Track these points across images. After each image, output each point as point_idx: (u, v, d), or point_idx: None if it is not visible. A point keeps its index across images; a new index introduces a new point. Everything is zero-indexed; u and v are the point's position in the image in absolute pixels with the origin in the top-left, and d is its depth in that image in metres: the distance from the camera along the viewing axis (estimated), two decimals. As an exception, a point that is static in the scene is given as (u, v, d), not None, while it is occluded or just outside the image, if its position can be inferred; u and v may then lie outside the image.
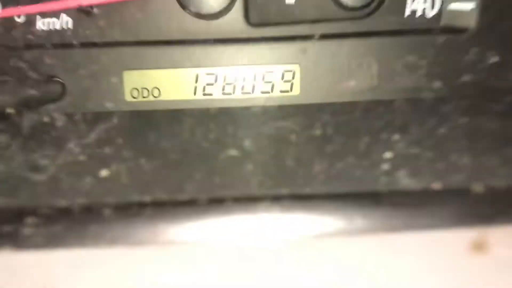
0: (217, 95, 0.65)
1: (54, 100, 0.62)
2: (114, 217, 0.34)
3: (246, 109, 0.49)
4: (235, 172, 0.37)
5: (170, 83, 0.65)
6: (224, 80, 0.65)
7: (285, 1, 0.63)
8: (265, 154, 0.39)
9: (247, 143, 0.41)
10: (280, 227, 0.34)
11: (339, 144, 0.40)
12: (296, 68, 0.64)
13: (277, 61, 0.64)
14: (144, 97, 0.65)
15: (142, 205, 0.35)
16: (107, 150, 0.41)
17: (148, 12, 0.63)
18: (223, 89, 0.65)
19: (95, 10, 0.63)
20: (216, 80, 0.65)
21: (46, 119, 0.46)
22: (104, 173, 0.38)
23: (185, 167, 0.39)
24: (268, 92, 0.65)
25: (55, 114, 0.48)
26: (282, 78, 0.64)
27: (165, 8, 0.63)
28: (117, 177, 0.37)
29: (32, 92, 0.60)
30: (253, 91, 0.65)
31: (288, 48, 0.64)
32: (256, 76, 0.64)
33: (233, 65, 0.64)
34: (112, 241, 0.33)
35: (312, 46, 0.63)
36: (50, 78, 0.63)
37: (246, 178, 0.37)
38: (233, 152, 0.39)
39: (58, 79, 0.63)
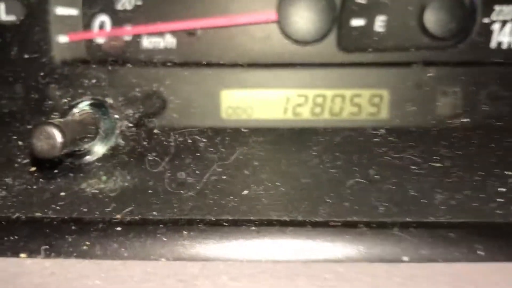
0: (306, 116, 0.69)
1: (155, 114, 0.67)
2: (258, 233, 0.38)
3: (370, 137, 0.52)
4: (362, 198, 0.41)
5: (263, 103, 0.69)
6: (314, 101, 0.68)
7: (375, 29, 0.67)
8: (389, 183, 0.43)
9: (371, 171, 0.45)
10: (408, 253, 0.38)
11: (456, 176, 0.43)
12: (384, 92, 0.67)
13: (365, 85, 0.68)
14: (238, 115, 0.69)
15: (283, 224, 0.38)
16: (246, 172, 0.45)
17: (247, 36, 0.67)
18: (312, 110, 0.69)
19: (199, 32, 0.67)
20: (306, 102, 0.68)
21: (189, 140, 0.50)
22: (244, 192, 0.42)
23: (317, 191, 0.42)
24: (356, 115, 0.68)
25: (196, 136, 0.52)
26: (370, 101, 0.68)
27: (264, 33, 0.67)
28: (256, 197, 0.41)
29: (135, 106, 0.64)
30: (341, 113, 0.68)
31: (377, 73, 0.67)
32: (344, 99, 0.68)
33: (323, 88, 0.68)
34: (258, 255, 0.37)
35: (400, 72, 0.67)
36: (152, 94, 0.68)
37: (373, 204, 0.40)
38: (358, 179, 0.43)
39: (160, 95, 0.68)
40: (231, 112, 0.69)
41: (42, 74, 0.67)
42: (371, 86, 0.68)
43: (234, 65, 0.68)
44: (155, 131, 0.52)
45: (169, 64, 0.68)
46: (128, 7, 0.68)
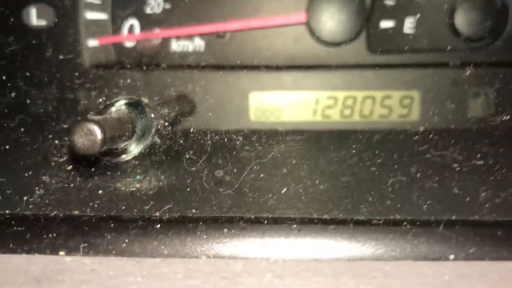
0: (336, 118, 0.68)
1: (184, 116, 0.67)
2: (299, 231, 0.37)
3: (410, 136, 0.52)
4: (404, 197, 0.40)
5: (291, 105, 0.68)
6: (343, 103, 0.68)
7: (404, 30, 0.66)
8: (431, 181, 0.42)
9: (412, 169, 0.44)
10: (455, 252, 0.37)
11: (500, 174, 0.42)
12: (415, 94, 0.66)
13: (396, 87, 0.67)
14: (266, 117, 0.68)
15: (325, 222, 0.38)
16: (284, 170, 0.44)
17: (276, 38, 0.67)
18: (342, 112, 0.68)
19: (227, 35, 0.67)
20: (335, 103, 0.68)
21: (226, 139, 0.50)
22: (283, 190, 0.41)
23: (358, 190, 0.42)
24: (386, 117, 0.67)
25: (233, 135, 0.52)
26: (401, 103, 0.67)
27: (293, 34, 0.67)
28: (296, 195, 0.40)
29: (166, 108, 0.64)
30: (371, 115, 0.68)
31: (407, 75, 0.66)
32: (375, 101, 0.67)
33: (352, 90, 0.67)
34: (300, 253, 0.37)
35: (430, 74, 0.66)
36: (181, 96, 0.68)
37: (415, 202, 0.39)
38: (400, 177, 0.42)
39: (189, 97, 0.67)
40: (260, 114, 0.68)
41: (74, 76, 0.67)
42: (402, 87, 0.67)
43: (262, 67, 0.67)
44: (191, 130, 0.52)
45: (198, 66, 0.68)
46: (157, 10, 0.69)
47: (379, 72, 0.67)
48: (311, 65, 0.67)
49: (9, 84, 0.67)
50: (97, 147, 0.36)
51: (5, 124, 0.55)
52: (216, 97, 0.67)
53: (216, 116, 0.68)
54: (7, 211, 0.40)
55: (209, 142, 0.47)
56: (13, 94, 0.67)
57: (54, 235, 0.39)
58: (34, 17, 0.68)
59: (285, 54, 0.68)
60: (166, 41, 0.69)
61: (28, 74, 0.68)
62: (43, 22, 0.68)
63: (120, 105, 0.46)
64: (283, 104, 0.68)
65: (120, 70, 0.68)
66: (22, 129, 0.54)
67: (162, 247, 0.38)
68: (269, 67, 0.67)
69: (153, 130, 0.46)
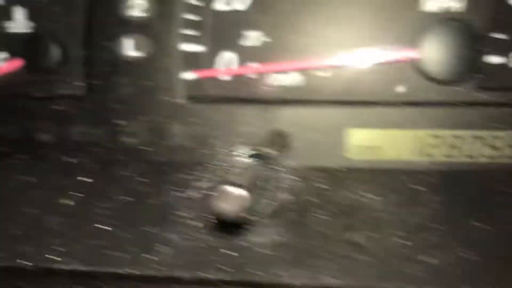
0: (439, 158, 0.64)
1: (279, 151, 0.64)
2: None
3: None
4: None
5: (393, 143, 0.65)
6: (450, 143, 0.64)
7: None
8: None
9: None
10: None
11: None
12: (527, 135, 0.62)
13: (506, 126, 0.63)
14: (365, 155, 0.65)
15: None
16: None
17: (377, 74, 0.64)
18: (447, 152, 0.64)
19: (329, 70, 0.65)
20: (441, 143, 0.64)
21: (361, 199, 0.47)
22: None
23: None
24: (494, 157, 0.63)
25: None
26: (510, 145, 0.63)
27: (397, 72, 0.63)
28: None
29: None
30: (478, 156, 0.64)
31: (519, 114, 0.62)
32: (484, 141, 0.63)
33: (459, 129, 0.63)
34: None
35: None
36: (275, 131, 0.65)
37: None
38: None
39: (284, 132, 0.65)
40: (357, 152, 0.65)
41: (169, 109, 0.66)
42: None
43: (361, 102, 0.64)
44: (318, 185, 0.49)
45: (296, 101, 0.66)
46: (257, 43, 0.67)
47: (488, 110, 0.63)
48: (416, 102, 0.64)
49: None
50: (240, 214, 0.34)
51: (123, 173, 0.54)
52: (313, 134, 0.65)
53: (312, 153, 0.65)
54: (135, 271, 0.38)
55: (344, 202, 0.44)
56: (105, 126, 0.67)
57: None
58: (132, 48, 0.67)
59: (389, 91, 0.65)
60: (264, 75, 0.67)
61: (122, 106, 0.67)
62: (140, 54, 0.67)
63: (245, 158, 0.44)
64: (384, 141, 0.65)
65: (216, 105, 0.67)
66: (142, 179, 0.52)
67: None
68: (371, 103, 0.64)
69: (282, 185, 0.44)
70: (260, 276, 0.37)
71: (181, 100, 0.66)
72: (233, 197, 0.34)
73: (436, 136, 0.65)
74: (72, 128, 0.66)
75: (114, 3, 0.66)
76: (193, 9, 0.66)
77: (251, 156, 0.43)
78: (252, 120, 0.65)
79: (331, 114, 0.65)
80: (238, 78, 0.67)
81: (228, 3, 0.66)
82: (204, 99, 0.67)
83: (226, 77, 0.68)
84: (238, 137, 0.65)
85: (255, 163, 0.43)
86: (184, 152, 0.64)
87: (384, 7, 0.62)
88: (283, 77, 0.67)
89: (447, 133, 0.64)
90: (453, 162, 0.64)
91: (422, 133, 0.65)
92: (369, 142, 0.65)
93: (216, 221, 0.42)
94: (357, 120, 0.65)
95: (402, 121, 0.65)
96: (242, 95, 0.67)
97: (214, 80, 0.68)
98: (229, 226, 0.42)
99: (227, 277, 0.37)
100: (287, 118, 0.66)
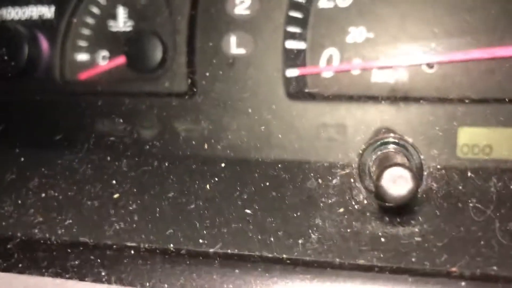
0: (554, 158, 0.62)
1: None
2: None
3: None
4: None
5: (503, 142, 0.63)
6: None
7: None
8: None
9: None
10: None
11: None
12: None
13: None
14: (474, 153, 0.63)
15: None
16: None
17: (485, 70, 0.62)
18: (562, 152, 0.61)
19: (436, 66, 0.63)
20: (555, 142, 0.61)
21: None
22: None
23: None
24: None
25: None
26: None
27: (504, 68, 0.61)
28: None
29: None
30: None
31: None
32: None
33: None
34: None
35: None
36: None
37: None
38: None
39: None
40: (467, 151, 0.63)
41: (271, 106, 0.66)
42: None
43: (472, 100, 0.62)
44: (469, 174, 0.48)
45: (400, 98, 0.64)
46: (359, 40, 0.66)
47: None
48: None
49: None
50: (408, 196, 0.33)
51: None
52: (420, 132, 0.63)
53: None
54: (284, 256, 0.38)
55: (492, 189, 0.43)
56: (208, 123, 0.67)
57: (346, 285, 0.36)
58: (234, 45, 0.68)
59: (497, 88, 0.62)
60: (366, 72, 0.66)
61: (225, 103, 0.67)
62: (242, 51, 0.68)
63: (387, 144, 0.43)
64: (493, 140, 0.63)
65: (318, 102, 0.66)
66: (280, 165, 0.52)
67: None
68: (479, 101, 0.62)
69: (425, 173, 0.42)
70: (416, 262, 0.36)
71: (283, 97, 0.66)
72: (403, 179, 0.33)
73: (550, 135, 0.62)
74: (176, 125, 0.66)
75: (219, 1, 0.67)
76: (296, 6, 0.66)
77: (395, 143, 0.42)
78: (355, 118, 0.64)
79: (439, 111, 0.64)
80: (340, 75, 0.67)
81: (330, 0, 0.66)
82: (307, 96, 0.66)
83: (328, 74, 0.67)
84: (341, 135, 0.64)
85: (397, 150, 0.42)
86: (286, 150, 0.64)
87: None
88: (386, 74, 0.66)
89: (562, 131, 0.61)
90: None
91: (534, 131, 0.62)
92: (478, 140, 0.63)
93: (362, 201, 0.41)
94: (465, 118, 0.63)
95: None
96: (345, 92, 0.66)
97: (317, 77, 0.67)
98: (373, 212, 0.41)
99: (381, 263, 0.36)
100: (392, 115, 0.64)
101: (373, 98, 0.65)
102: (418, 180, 0.34)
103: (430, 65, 0.64)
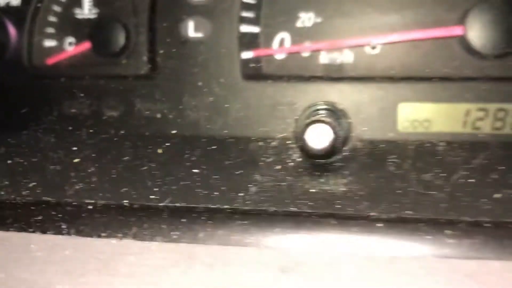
0: (486, 130, 0.68)
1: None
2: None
3: None
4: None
5: (441, 116, 0.68)
6: (495, 116, 0.67)
7: None
8: None
9: None
10: None
11: None
12: None
13: (550, 99, 0.66)
14: (414, 128, 0.69)
15: None
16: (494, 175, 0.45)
17: (427, 49, 0.68)
18: (493, 124, 0.68)
19: (378, 47, 0.69)
20: (486, 116, 0.68)
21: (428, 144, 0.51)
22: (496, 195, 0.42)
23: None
24: (538, 129, 0.66)
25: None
26: (555, 116, 0.66)
27: (446, 47, 0.67)
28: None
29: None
30: (521, 128, 0.67)
31: None
32: (527, 113, 0.67)
33: (505, 102, 0.67)
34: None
35: None
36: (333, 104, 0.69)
37: None
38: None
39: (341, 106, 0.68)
40: (408, 125, 0.69)
41: (228, 86, 0.71)
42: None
43: (410, 78, 0.68)
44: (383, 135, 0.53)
45: (346, 78, 0.70)
46: (308, 24, 0.71)
47: (532, 85, 0.67)
48: (463, 77, 0.68)
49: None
50: (328, 147, 0.38)
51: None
52: (363, 108, 0.69)
53: (363, 126, 0.69)
54: (226, 206, 0.43)
55: (408, 147, 0.48)
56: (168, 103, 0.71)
57: (278, 229, 0.41)
58: (192, 29, 0.72)
59: (436, 66, 0.68)
60: (315, 54, 0.72)
61: (184, 84, 0.72)
62: (200, 34, 0.72)
63: (319, 110, 0.48)
64: (432, 115, 0.69)
65: (271, 82, 0.71)
66: (225, 131, 0.57)
67: (389, 244, 0.39)
68: (419, 79, 0.68)
69: (352, 134, 0.48)
70: (340, 208, 0.41)
71: (239, 78, 0.71)
72: (323, 134, 0.38)
73: (482, 109, 0.68)
74: (138, 105, 0.71)
75: (177, -12, 0.71)
76: (250, -8, 0.71)
77: (326, 109, 0.47)
78: (305, 96, 0.69)
79: (382, 89, 0.69)
80: (292, 57, 0.72)
81: (282, -13, 0.71)
82: (261, 76, 0.71)
83: (281, 56, 0.72)
84: (292, 113, 0.69)
85: (328, 115, 0.47)
86: (241, 127, 0.68)
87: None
88: (333, 55, 0.71)
89: (492, 106, 0.68)
90: (499, 134, 0.68)
91: (468, 106, 0.68)
92: (417, 115, 0.69)
93: (296, 159, 0.46)
94: (406, 95, 0.69)
95: (449, 94, 0.68)
96: (296, 73, 0.71)
97: (270, 59, 0.72)
98: (306, 168, 0.46)
99: (311, 210, 0.41)
100: (339, 94, 0.69)
101: (322, 78, 0.70)
102: (337, 135, 0.39)
103: (373, 46, 0.69)
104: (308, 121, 0.41)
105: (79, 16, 0.76)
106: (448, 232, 0.39)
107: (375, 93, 0.69)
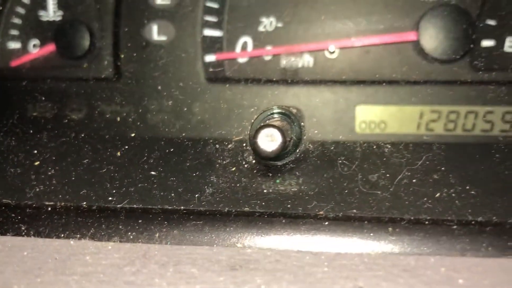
0: (439, 131, 0.71)
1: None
2: (458, 231, 0.41)
3: None
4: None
5: (396, 118, 0.71)
6: (447, 118, 0.71)
7: (505, 49, 0.69)
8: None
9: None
10: None
11: None
12: (518, 110, 0.69)
13: (498, 102, 0.70)
14: (371, 129, 0.72)
15: (482, 224, 0.41)
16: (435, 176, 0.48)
17: (383, 54, 0.71)
18: (445, 126, 0.71)
19: (336, 52, 0.72)
20: (439, 118, 0.71)
21: (374, 146, 0.54)
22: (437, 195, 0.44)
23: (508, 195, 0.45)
24: (488, 131, 0.70)
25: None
26: (503, 118, 0.70)
27: (401, 51, 0.70)
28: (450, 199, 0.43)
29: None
30: (473, 129, 0.70)
31: (510, 91, 0.69)
32: (477, 116, 0.70)
33: (456, 105, 0.70)
34: (458, 252, 0.40)
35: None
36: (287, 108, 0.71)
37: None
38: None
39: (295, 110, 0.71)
40: (365, 127, 0.72)
41: (191, 88, 0.72)
42: (504, 103, 0.70)
43: (367, 82, 0.71)
44: (341, 137, 0.55)
45: (306, 81, 0.72)
46: (269, 29, 0.73)
47: (482, 88, 0.70)
48: (417, 80, 0.71)
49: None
50: (278, 150, 0.40)
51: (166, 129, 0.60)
52: (323, 111, 0.71)
53: (323, 128, 0.72)
54: (182, 207, 0.44)
55: (358, 149, 0.51)
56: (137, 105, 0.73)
57: (231, 229, 0.43)
58: (156, 33, 0.74)
59: (392, 70, 0.71)
60: (276, 57, 0.74)
61: (148, 87, 0.73)
62: (163, 38, 0.74)
63: (274, 114, 0.50)
64: (388, 117, 0.72)
65: (235, 84, 0.73)
66: (184, 134, 0.59)
67: (334, 241, 0.41)
68: (375, 82, 0.71)
69: (305, 137, 0.50)
70: (291, 208, 0.43)
71: (203, 81, 0.72)
72: (271, 137, 0.40)
73: (435, 112, 0.71)
74: (99, 108, 0.72)
75: (141, -9, 0.72)
76: (213, -3, 0.73)
77: (281, 113, 0.50)
78: (264, 100, 0.72)
79: (340, 92, 0.72)
80: (254, 60, 0.74)
81: (244, -8, 0.73)
82: (224, 79, 0.73)
83: (243, 59, 0.74)
84: (249, 116, 0.71)
85: (282, 119, 0.49)
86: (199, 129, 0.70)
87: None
88: (294, 59, 0.73)
89: (444, 108, 0.71)
90: (450, 135, 0.71)
91: (422, 108, 0.71)
92: (374, 117, 0.72)
93: (251, 161, 0.48)
94: (364, 97, 0.72)
95: (404, 97, 0.71)
96: (257, 76, 0.73)
97: (233, 62, 0.74)
98: (259, 169, 0.48)
99: (264, 210, 0.43)
100: (298, 97, 0.72)
101: (282, 82, 0.73)
102: (285, 138, 0.42)
103: (331, 51, 0.72)
104: (260, 125, 0.43)
105: (44, 19, 0.76)
106: (390, 229, 0.41)
107: (334, 96, 0.72)
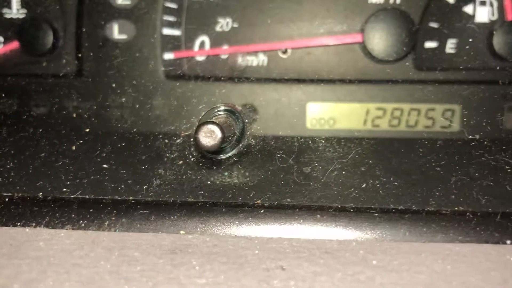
0: (384, 127, 0.76)
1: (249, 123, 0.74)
2: (379, 219, 0.45)
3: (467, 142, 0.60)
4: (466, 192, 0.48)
5: (344, 115, 0.76)
6: (392, 114, 0.76)
7: (447, 50, 0.75)
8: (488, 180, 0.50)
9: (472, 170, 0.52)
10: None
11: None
12: (456, 107, 0.74)
13: (439, 100, 0.75)
14: (321, 125, 0.76)
15: (401, 212, 0.46)
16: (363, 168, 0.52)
17: (332, 55, 0.75)
18: (390, 122, 0.76)
19: (289, 52, 0.76)
20: (384, 114, 0.76)
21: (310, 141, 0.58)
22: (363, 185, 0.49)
23: (426, 186, 0.50)
24: (429, 127, 0.75)
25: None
26: (443, 115, 0.75)
27: (348, 52, 0.75)
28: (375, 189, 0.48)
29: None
30: (416, 125, 0.76)
31: (450, 90, 0.75)
32: (420, 113, 0.75)
33: (400, 102, 0.75)
34: (382, 237, 0.45)
35: (469, 89, 0.74)
36: (245, 106, 0.76)
37: (475, 197, 0.47)
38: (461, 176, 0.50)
39: (252, 107, 0.76)
40: (315, 123, 0.76)
41: (150, 86, 0.76)
42: (444, 101, 0.75)
43: (318, 80, 0.75)
44: (280, 133, 0.60)
45: (260, 79, 0.76)
46: (226, 29, 0.77)
47: (424, 87, 0.75)
48: (363, 79, 0.76)
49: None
50: (217, 145, 0.44)
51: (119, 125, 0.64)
52: (276, 107, 0.76)
53: (276, 124, 0.76)
54: (131, 198, 0.48)
55: (296, 143, 0.55)
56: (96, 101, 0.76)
57: (175, 217, 0.47)
58: (116, 32, 0.77)
59: (340, 70, 0.76)
60: (232, 56, 0.78)
61: (109, 83, 0.76)
62: (124, 36, 0.77)
63: (221, 112, 0.54)
64: (336, 114, 0.76)
65: (192, 82, 0.77)
66: (135, 129, 0.62)
67: (268, 227, 0.45)
68: (325, 81, 0.76)
69: (248, 133, 0.54)
70: (231, 198, 0.47)
71: (162, 78, 0.76)
72: (210, 132, 0.44)
73: (381, 109, 0.76)
74: (59, 105, 0.75)
75: (102, -9, 0.75)
76: (171, -2, 0.77)
77: (225, 110, 0.54)
78: (216, 96, 0.76)
79: (292, 90, 0.76)
80: (212, 59, 0.78)
81: (202, -6, 0.77)
82: (182, 77, 0.77)
83: (201, 58, 0.78)
84: (198, 112, 0.74)
85: (227, 115, 0.53)
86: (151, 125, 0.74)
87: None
88: (249, 58, 0.78)
89: (389, 106, 0.76)
90: (395, 131, 0.76)
91: (368, 106, 0.76)
92: (324, 114, 0.76)
93: (197, 155, 0.52)
94: (314, 95, 0.76)
95: (352, 96, 0.76)
96: (215, 74, 0.77)
97: (192, 60, 0.78)
98: (205, 163, 0.52)
99: (207, 200, 0.47)
100: (253, 93, 0.76)
101: (238, 79, 0.77)
102: (224, 134, 0.46)
103: (283, 51, 0.76)
104: (201, 121, 0.47)
105: (7, 16, 0.79)
106: (318, 216, 0.46)
107: (286, 93, 0.76)
